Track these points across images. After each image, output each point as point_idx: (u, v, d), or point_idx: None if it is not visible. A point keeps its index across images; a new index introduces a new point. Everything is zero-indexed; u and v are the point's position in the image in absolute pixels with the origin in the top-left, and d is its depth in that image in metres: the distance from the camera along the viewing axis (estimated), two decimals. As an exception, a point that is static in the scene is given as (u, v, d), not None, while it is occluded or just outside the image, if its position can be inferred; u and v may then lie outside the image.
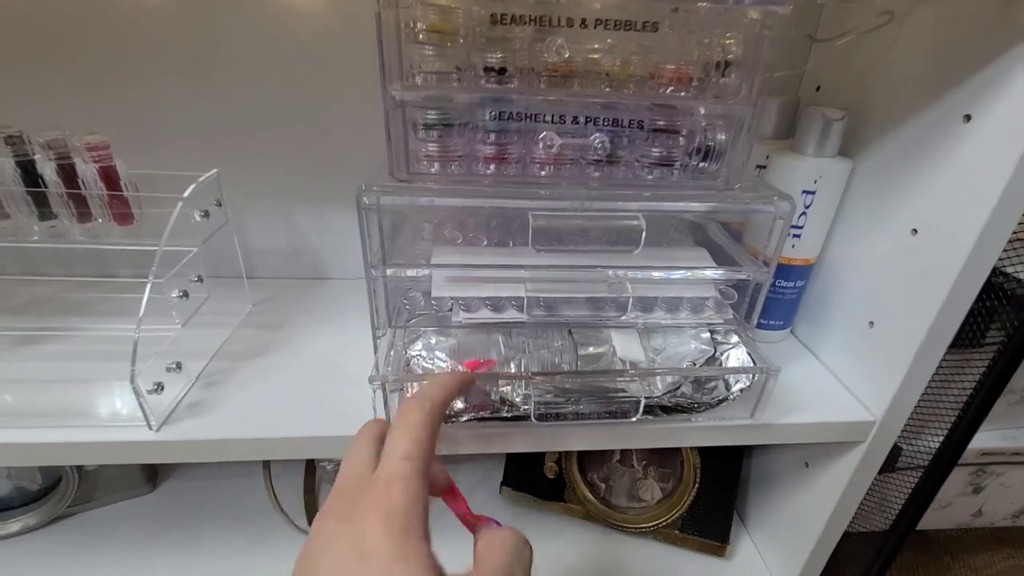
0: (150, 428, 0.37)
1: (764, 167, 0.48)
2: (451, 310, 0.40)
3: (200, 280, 0.45)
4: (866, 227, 0.43)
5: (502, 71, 0.34)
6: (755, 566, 0.58)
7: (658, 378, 0.40)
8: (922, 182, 0.38)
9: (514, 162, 0.37)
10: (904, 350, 0.39)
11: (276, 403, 0.40)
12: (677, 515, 0.57)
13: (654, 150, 0.36)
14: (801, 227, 0.45)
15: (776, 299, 0.48)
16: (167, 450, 0.37)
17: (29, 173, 0.40)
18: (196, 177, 0.42)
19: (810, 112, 0.42)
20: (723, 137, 0.36)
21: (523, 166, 0.37)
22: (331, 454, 0.42)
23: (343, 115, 0.51)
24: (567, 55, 0.33)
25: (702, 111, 0.36)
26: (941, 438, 0.44)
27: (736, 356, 0.42)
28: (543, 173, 0.37)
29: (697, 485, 0.56)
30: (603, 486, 0.61)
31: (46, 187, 0.41)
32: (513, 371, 0.40)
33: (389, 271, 0.38)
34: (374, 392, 0.36)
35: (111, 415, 0.37)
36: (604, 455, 0.60)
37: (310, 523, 0.57)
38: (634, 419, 0.38)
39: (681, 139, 0.36)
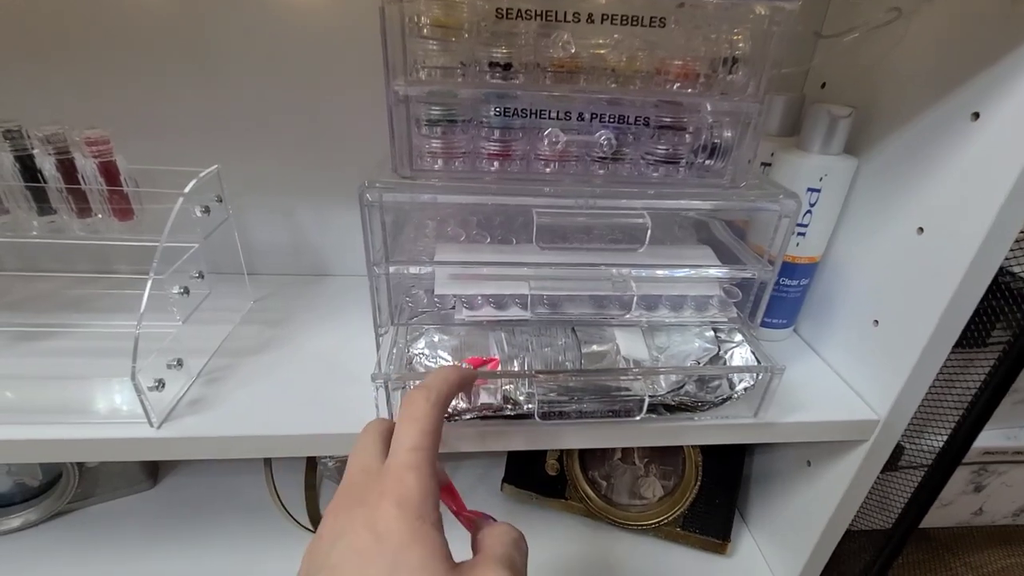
0: (151, 425, 0.36)
1: (769, 164, 0.47)
2: (454, 308, 0.40)
3: (201, 276, 0.44)
4: (871, 225, 0.43)
5: (507, 67, 0.33)
6: (756, 564, 0.58)
7: (662, 377, 0.40)
8: (928, 180, 0.38)
9: (518, 159, 0.36)
10: (909, 349, 0.39)
11: (277, 400, 0.40)
12: (678, 513, 0.57)
13: (660, 147, 0.36)
14: (806, 225, 0.45)
15: (780, 298, 0.48)
16: (168, 447, 0.37)
17: (28, 168, 0.40)
18: (197, 173, 0.42)
19: (816, 109, 0.42)
20: (729, 134, 0.36)
21: (527, 163, 0.37)
22: (332, 451, 0.42)
23: (345, 111, 0.51)
24: (573, 50, 0.33)
25: (708, 108, 0.36)
26: (944, 437, 0.44)
27: (740, 355, 0.42)
28: (548, 170, 0.37)
29: (699, 483, 0.56)
30: (604, 484, 0.61)
31: (45, 182, 0.41)
32: (516, 369, 0.40)
33: (392, 268, 0.37)
34: (377, 390, 0.36)
35: (112, 412, 0.37)
36: (606, 453, 0.60)
37: (311, 519, 0.57)
38: (638, 418, 0.38)
39: (687, 136, 0.36)
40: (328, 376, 0.43)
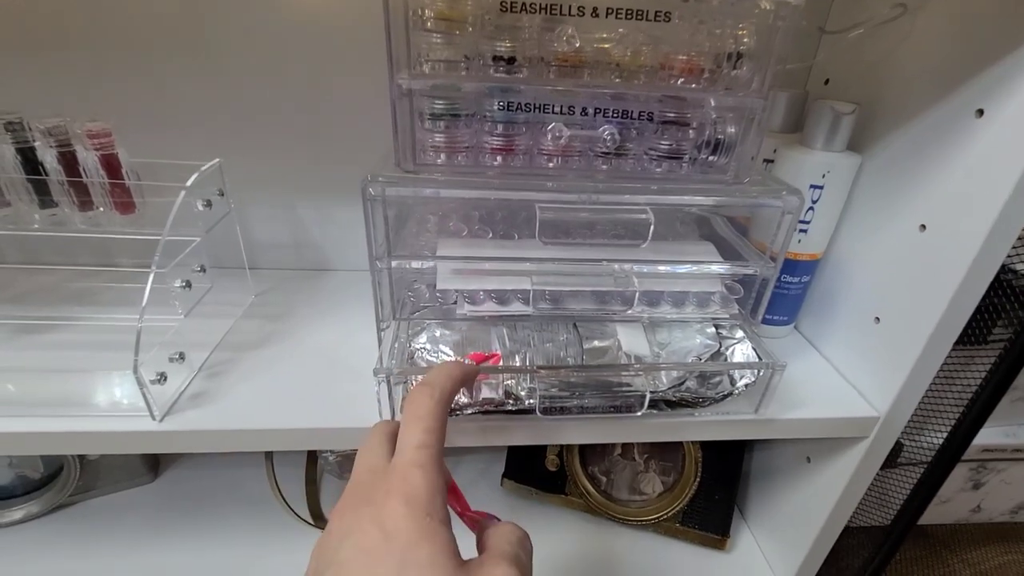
0: (153, 418, 0.36)
1: (772, 161, 0.47)
2: (456, 303, 0.40)
3: (203, 270, 0.44)
4: (874, 222, 0.43)
5: (511, 60, 0.33)
6: (755, 560, 0.58)
7: (663, 372, 0.40)
8: (932, 177, 0.38)
9: (521, 154, 0.36)
10: (910, 346, 0.39)
11: (279, 394, 0.40)
12: (678, 508, 0.58)
13: (663, 142, 0.36)
14: (808, 222, 0.45)
15: (781, 294, 0.48)
16: (170, 440, 0.37)
17: (29, 160, 0.40)
18: (198, 166, 0.42)
19: (819, 106, 0.42)
20: (733, 130, 0.36)
21: (530, 158, 0.37)
22: (333, 445, 0.42)
23: (347, 105, 0.51)
24: (577, 45, 0.33)
25: (712, 103, 0.35)
26: (944, 434, 0.44)
27: (741, 351, 0.42)
28: (551, 165, 0.37)
29: (698, 479, 0.56)
30: (604, 479, 0.61)
31: (47, 175, 0.40)
32: (518, 365, 0.40)
33: (394, 263, 0.37)
34: (378, 385, 0.36)
35: (114, 405, 0.37)
36: (605, 448, 0.60)
37: (311, 513, 0.58)
38: (639, 414, 0.38)
39: (691, 132, 0.36)
40: (329, 371, 0.43)
